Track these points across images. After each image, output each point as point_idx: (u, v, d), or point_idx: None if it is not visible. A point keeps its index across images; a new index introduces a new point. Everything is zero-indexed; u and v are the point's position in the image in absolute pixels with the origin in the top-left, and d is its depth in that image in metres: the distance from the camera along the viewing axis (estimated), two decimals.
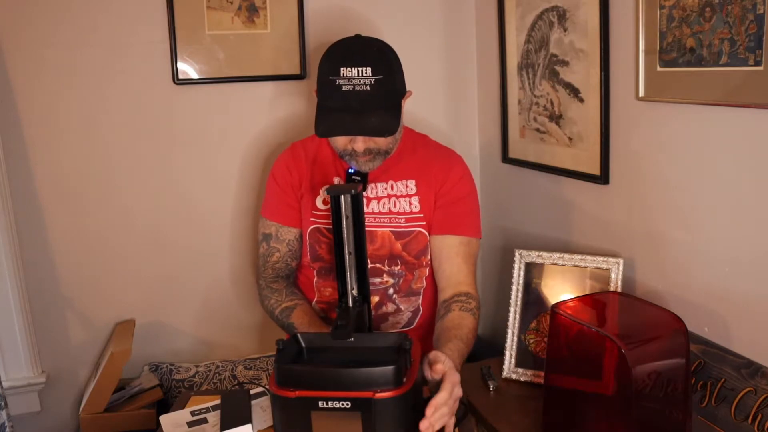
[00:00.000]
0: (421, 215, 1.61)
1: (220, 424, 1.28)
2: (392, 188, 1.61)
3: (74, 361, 2.04)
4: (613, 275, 1.59)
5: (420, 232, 1.61)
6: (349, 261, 1.41)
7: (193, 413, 1.38)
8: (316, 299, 1.67)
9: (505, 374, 1.69)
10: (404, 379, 1.15)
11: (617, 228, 1.67)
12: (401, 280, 1.62)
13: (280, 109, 2.10)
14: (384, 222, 1.60)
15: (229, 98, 2.05)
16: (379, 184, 1.61)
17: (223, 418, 1.31)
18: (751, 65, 1.22)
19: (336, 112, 1.44)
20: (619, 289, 1.58)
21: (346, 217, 1.39)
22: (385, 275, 1.61)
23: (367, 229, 1.49)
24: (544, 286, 1.69)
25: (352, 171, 1.54)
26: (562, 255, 1.66)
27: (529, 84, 1.92)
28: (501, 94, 2.07)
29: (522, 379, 1.67)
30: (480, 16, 2.19)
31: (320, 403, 1.13)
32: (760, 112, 1.24)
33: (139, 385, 1.94)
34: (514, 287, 1.71)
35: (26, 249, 1.94)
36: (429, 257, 1.63)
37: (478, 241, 1.65)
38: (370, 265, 1.58)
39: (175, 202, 2.06)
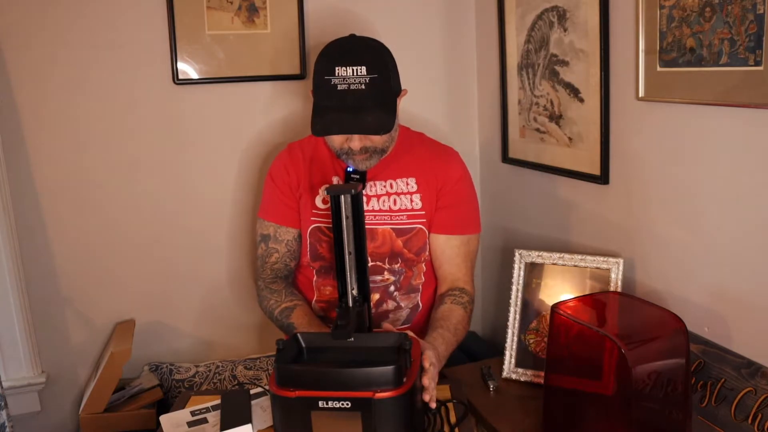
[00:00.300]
0: (423, 212, 1.62)
1: (220, 424, 1.28)
2: (391, 186, 1.62)
3: (74, 361, 2.04)
4: (613, 275, 1.59)
5: (420, 229, 1.62)
6: (349, 261, 1.41)
7: (193, 413, 1.38)
8: (315, 298, 1.67)
9: (505, 374, 1.69)
10: (404, 379, 1.15)
11: (617, 228, 1.67)
12: (402, 277, 1.63)
13: (280, 109, 2.10)
14: (385, 219, 1.60)
15: (229, 98, 2.05)
16: (378, 182, 1.62)
17: (223, 418, 1.31)
18: (751, 65, 1.22)
19: (332, 111, 1.45)
20: (619, 289, 1.58)
21: (346, 217, 1.39)
22: (386, 273, 1.62)
23: (367, 226, 1.49)
24: (544, 286, 1.69)
25: (351, 170, 1.55)
26: (562, 255, 1.66)
27: (529, 84, 1.92)
28: (501, 94, 2.07)
29: (522, 379, 1.67)
30: (480, 16, 2.19)
31: (320, 403, 1.13)
32: (760, 112, 1.24)
33: (139, 385, 1.94)
34: (514, 287, 1.71)
35: (26, 249, 1.94)
36: (427, 253, 1.64)
37: (477, 236, 1.69)
38: (370, 263, 1.59)
39: (175, 202, 2.06)
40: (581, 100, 1.72)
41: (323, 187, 1.63)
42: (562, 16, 1.74)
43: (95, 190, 1.98)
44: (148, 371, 2.01)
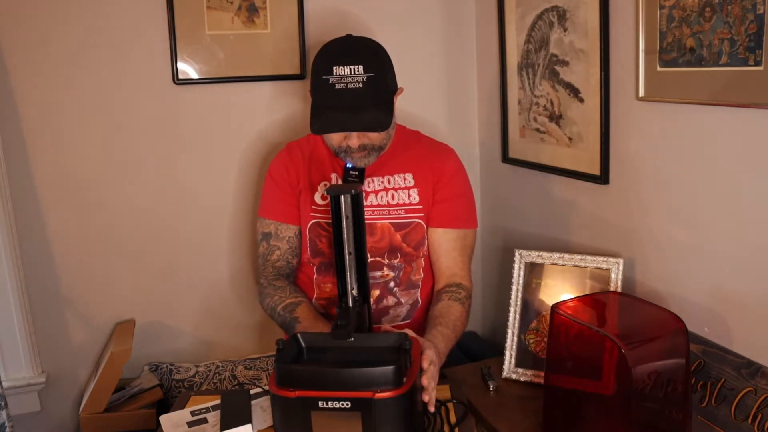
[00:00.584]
0: (421, 206, 1.63)
1: (220, 424, 1.28)
2: (389, 182, 1.64)
3: (74, 361, 2.04)
4: (613, 275, 1.59)
5: (419, 223, 1.63)
6: (349, 261, 1.41)
7: (193, 413, 1.38)
8: (315, 296, 1.68)
9: (505, 374, 1.69)
10: (404, 379, 1.15)
11: (617, 228, 1.67)
12: (401, 273, 1.64)
13: (280, 109, 2.10)
14: (383, 214, 1.62)
15: (229, 98, 2.05)
16: (375, 178, 1.63)
17: (223, 418, 1.31)
18: (751, 65, 1.22)
19: (330, 109, 1.47)
20: (619, 289, 1.58)
21: (346, 217, 1.39)
22: (385, 268, 1.63)
23: (366, 221, 1.50)
24: (544, 286, 1.69)
25: (350, 166, 1.56)
26: (562, 255, 1.66)
27: (529, 84, 1.92)
28: (501, 94, 2.07)
29: (522, 379, 1.67)
30: (480, 16, 2.19)
31: (320, 403, 1.13)
32: (760, 112, 1.24)
33: (139, 385, 1.94)
34: (514, 287, 1.71)
35: (26, 249, 1.94)
36: (426, 248, 1.66)
37: (474, 231, 1.70)
38: (370, 259, 1.59)
39: (175, 201, 2.06)
40: (581, 100, 1.72)
41: (322, 184, 1.65)
42: (562, 16, 1.74)
43: (95, 190, 1.98)
44: (148, 371, 2.01)
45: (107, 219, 2.00)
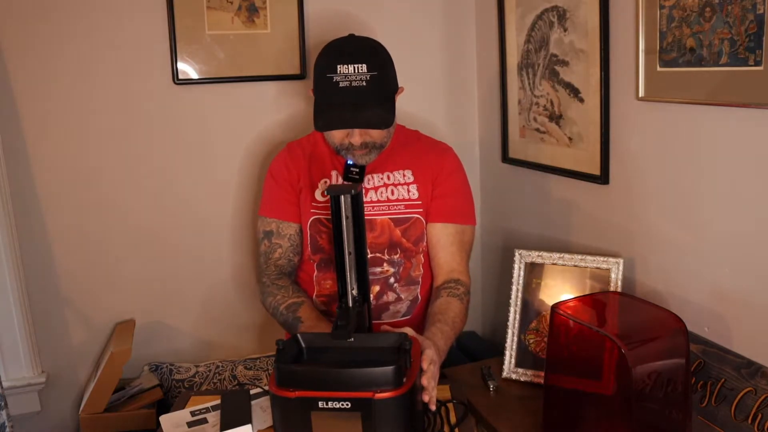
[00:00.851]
0: (420, 202, 1.65)
1: (220, 424, 1.28)
2: (389, 178, 1.66)
3: (74, 361, 2.04)
4: (613, 275, 1.59)
5: (418, 218, 1.65)
6: (349, 261, 1.41)
7: (193, 413, 1.38)
8: (316, 293, 1.68)
9: (505, 374, 1.69)
10: (404, 379, 1.15)
11: (617, 228, 1.67)
12: (401, 269, 1.65)
13: (280, 109, 2.10)
14: (383, 210, 1.63)
15: (229, 98, 2.05)
16: (375, 175, 1.65)
17: (223, 418, 1.31)
18: (751, 65, 1.22)
19: (334, 107, 1.49)
20: (619, 289, 1.58)
21: (346, 218, 1.39)
22: (385, 264, 1.64)
23: (366, 217, 1.51)
24: (544, 286, 1.69)
25: (351, 162, 1.58)
26: (562, 255, 1.66)
27: (529, 84, 1.92)
28: (501, 94, 2.07)
29: (522, 379, 1.67)
30: (480, 16, 2.19)
31: (320, 404, 1.13)
32: (760, 112, 1.24)
33: (139, 385, 1.94)
34: (514, 287, 1.71)
35: (26, 249, 1.94)
36: (425, 243, 1.67)
37: (472, 228, 1.71)
38: (370, 255, 1.60)
39: (175, 202, 2.06)
40: (581, 100, 1.72)
41: (323, 181, 1.66)
42: (562, 16, 1.74)
43: (95, 190, 1.98)
44: (148, 371, 2.01)
45: (107, 219, 2.00)
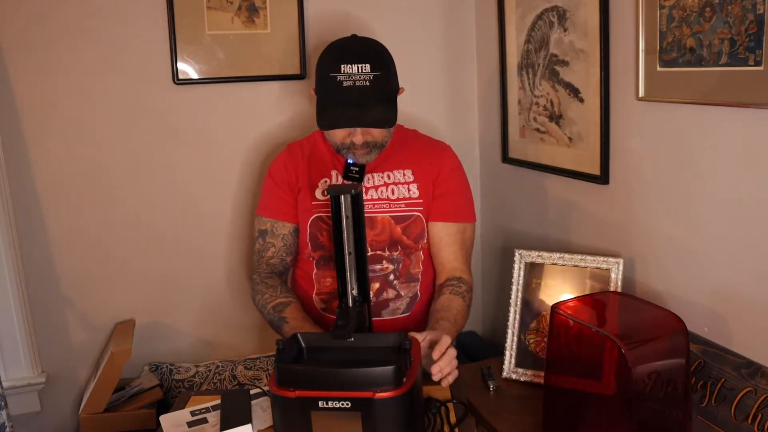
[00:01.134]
0: (421, 200, 1.66)
1: (220, 424, 1.28)
2: (389, 177, 1.67)
3: (74, 361, 2.04)
4: (613, 275, 1.59)
5: (418, 216, 1.66)
6: (349, 261, 1.41)
7: (193, 413, 1.38)
8: (315, 291, 1.69)
9: (505, 374, 1.69)
10: (404, 379, 1.15)
11: (617, 228, 1.67)
12: (400, 266, 1.66)
13: (280, 109, 2.10)
14: (384, 207, 1.64)
15: (229, 98, 2.05)
16: (375, 174, 1.67)
17: (223, 418, 1.31)
18: (751, 65, 1.22)
19: (338, 106, 1.51)
20: (619, 289, 1.58)
21: (346, 217, 1.40)
22: (384, 261, 1.65)
23: (366, 215, 1.54)
24: (544, 286, 1.69)
25: (351, 161, 1.59)
26: (562, 255, 1.66)
27: (529, 84, 1.92)
28: (501, 94, 2.07)
29: (522, 379, 1.67)
30: (480, 16, 2.19)
31: (320, 403, 1.13)
32: (760, 112, 1.24)
33: (139, 385, 1.94)
34: (514, 287, 1.71)
35: (26, 249, 1.94)
36: (425, 241, 1.68)
37: (473, 225, 1.73)
38: (370, 253, 1.62)
39: (175, 201, 2.06)
40: (581, 100, 1.72)
41: (323, 180, 1.67)
42: (562, 16, 1.74)
43: (95, 189, 1.98)
44: (148, 371, 2.01)
45: (107, 219, 2.00)
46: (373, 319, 1.57)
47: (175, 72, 1.97)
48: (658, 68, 1.44)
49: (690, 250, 1.45)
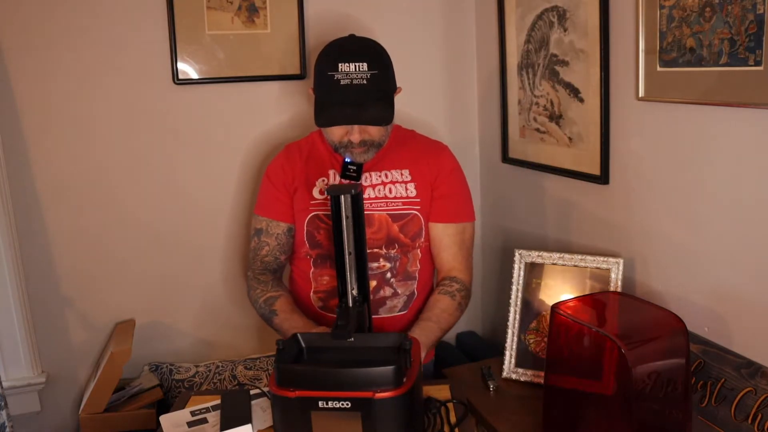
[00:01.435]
0: (418, 200, 1.67)
1: (220, 424, 1.28)
2: (386, 176, 1.68)
3: (74, 361, 2.04)
4: (613, 275, 1.59)
5: (416, 215, 1.66)
6: (349, 261, 1.41)
7: (193, 413, 1.38)
8: (313, 289, 1.70)
9: (505, 374, 1.69)
10: (404, 379, 1.15)
11: (617, 228, 1.67)
12: (397, 264, 1.67)
13: (280, 109, 2.10)
14: (381, 206, 1.65)
15: (229, 98, 2.05)
16: (373, 173, 1.67)
17: (223, 418, 1.31)
18: (751, 65, 1.22)
19: (336, 104, 1.52)
20: (619, 289, 1.58)
21: (346, 217, 1.40)
22: (381, 259, 1.65)
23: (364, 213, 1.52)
24: (544, 286, 1.69)
25: (349, 160, 1.61)
26: (562, 255, 1.66)
27: (529, 84, 1.92)
28: (501, 94, 2.07)
29: (522, 379, 1.67)
30: (480, 16, 2.19)
31: (320, 403, 1.13)
32: (760, 112, 1.24)
33: (139, 385, 1.94)
34: (514, 287, 1.71)
35: (26, 249, 1.94)
36: (423, 239, 1.68)
37: (472, 224, 1.74)
38: (368, 251, 1.61)
39: (175, 202, 2.06)
40: (581, 100, 1.72)
41: (321, 179, 1.68)
42: (562, 16, 1.74)
43: (95, 189, 1.98)
44: (148, 371, 2.01)
45: (107, 219, 2.00)
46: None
47: (175, 72, 1.97)
48: (658, 68, 1.44)
49: (690, 250, 1.45)
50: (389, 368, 1.13)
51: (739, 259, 1.34)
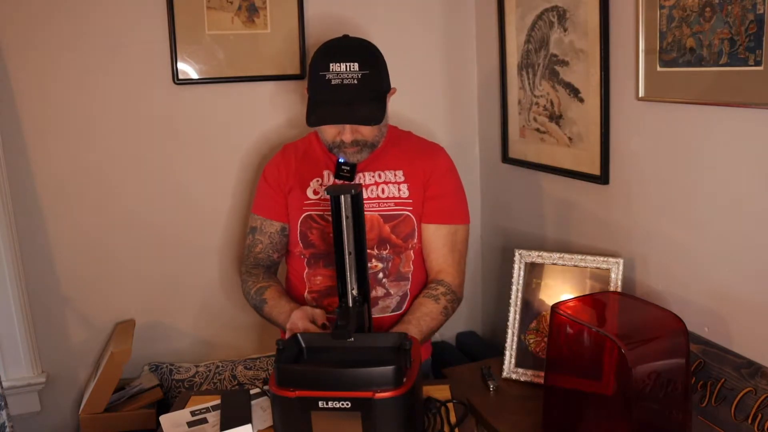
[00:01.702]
0: (410, 200, 1.66)
1: (220, 424, 1.28)
2: (380, 176, 1.68)
3: (74, 361, 2.04)
4: (613, 275, 1.59)
5: (408, 215, 1.66)
6: (349, 261, 1.41)
7: (193, 413, 1.38)
8: (307, 290, 1.71)
9: (505, 374, 1.69)
10: (404, 379, 1.15)
11: (617, 228, 1.67)
12: (390, 264, 1.66)
13: (280, 109, 2.10)
14: (373, 207, 1.65)
15: (229, 98, 2.05)
16: (367, 173, 1.67)
17: (223, 418, 1.31)
18: (751, 65, 1.22)
19: (326, 104, 1.53)
20: (619, 289, 1.58)
21: (346, 217, 1.40)
22: (374, 260, 1.65)
23: None
24: (544, 286, 1.69)
25: (342, 160, 1.61)
26: (562, 255, 1.66)
27: (529, 84, 1.92)
28: (501, 94, 2.07)
29: (522, 379, 1.67)
30: (480, 16, 2.19)
31: (320, 403, 1.13)
32: (760, 112, 1.24)
33: (139, 385, 1.94)
34: (514, 287, 1.71)
35: (26, 249, 1.94)
36: (415, 240, 1.68)
37: (466, 226, 1.72)
38: None
39: (175, 202, 2.06)
40: (581, 100, 1.72)
41: (315, 180, 1.69)
42: (562, 16, 1.74)
43: (95, 189, 1.98)
44: (148, 371, 2.01)
45: (107, 219, 2.00)
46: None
47: (175, 72, 1.97)
48: (658, 68, 1.44)
49: (690, 250, 1.45)
50: (389, 368, 1.13)
51: (739, 259, 1.34)
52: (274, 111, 2.10)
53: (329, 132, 1.59)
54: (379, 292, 1.67)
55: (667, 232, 1.51)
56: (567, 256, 1.66)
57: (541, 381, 1.53)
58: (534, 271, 1.70)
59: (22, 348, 1.92)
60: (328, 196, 1.62)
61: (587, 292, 1.61)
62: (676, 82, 1.40)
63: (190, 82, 2.00)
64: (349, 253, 1.41)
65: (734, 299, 1.36)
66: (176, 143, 2.03)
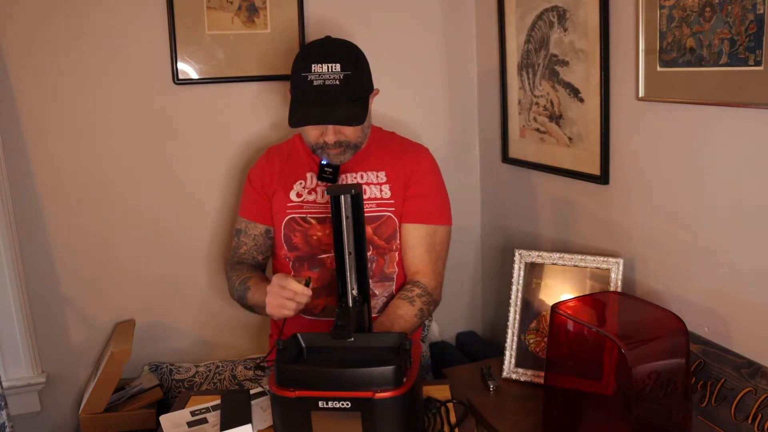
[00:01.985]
0: (392, 201, 1.66)
1: (220, 424, 1.28)
2: (362, 177, 1.68)
3: (74, 361, 2.04)
4: (613, 275, 1.59)
5: (390, 217, 1.66)
6: (349, 261, 1.41)
7: (193, 413, 1.38)
8: None
9: (505, 374, 1.69)
10: (404, 379, 1.15)
11: (617, 228, 1.67)
12: (373, 265, 1.66)
13: (279, 109, 2.10)
14: None
15: (229, 98, 2.05)
16: (349, 175, 1.67)
17: (223, 418, 1.31)
18: (751, 65, 1.22)
19: (308, 104, 1.53)
20: (619, 289, 1.58)
21: (346, 217, 1.40)
22: None
23: None
24: (544, 286, 1.69)
25: (325, 162, 1.61)
26: (562, 255, 1.66)
27: (529, 84, 1.92)
28: (501, 94, 2.07)
29: (522, 379, 1.67)
30: (480, 16, 2.19)
31: (320, 403, 1.13)
32: (760, 112, 1.24)
33: (139, 385, 1.94)
34: (514, 287, 1.71)
35: (26, 249, 1.94)
36: (398, 241, 1.68)
37: (447, 228, 1.71)
38: None
39: (175, 202, 2.06)
40: (581, 100, 1.72)
41: (298, 182, 1.69)
42: (562, 16, 1.74)
43: (95, 189, 1.98)
44: (148, 371, 2.01)
45: (107, 219, 2.00)
46: None
47: (175, 72, 1.97)
48: (658, 68, 1.44)
49: (690, 250, 1.45)
50: (389, 368, 1.13)
51: (739, 259, 1.34)
52: (274, 111, 2.10)
53: (312, 133, 1.59)
54: None
55: (667, 232, 1.51)
56: (567, 256, 1.66)
57: (541, 381, 1.53)
58: (534, 271, 1.70)
59: (22, 348, 1.92)
60: (310, 199, 1.64)
61: (587, 292, 1.61)
62: (676, 82, 1.40)
63: (190, 82, 2.00)
64: (349, 253, 1.41)
65: (734, 299, 1.36)
66: (176, 143, 2.03)
